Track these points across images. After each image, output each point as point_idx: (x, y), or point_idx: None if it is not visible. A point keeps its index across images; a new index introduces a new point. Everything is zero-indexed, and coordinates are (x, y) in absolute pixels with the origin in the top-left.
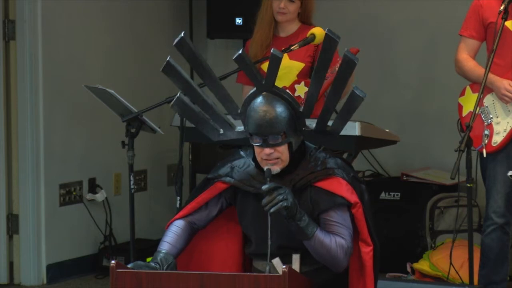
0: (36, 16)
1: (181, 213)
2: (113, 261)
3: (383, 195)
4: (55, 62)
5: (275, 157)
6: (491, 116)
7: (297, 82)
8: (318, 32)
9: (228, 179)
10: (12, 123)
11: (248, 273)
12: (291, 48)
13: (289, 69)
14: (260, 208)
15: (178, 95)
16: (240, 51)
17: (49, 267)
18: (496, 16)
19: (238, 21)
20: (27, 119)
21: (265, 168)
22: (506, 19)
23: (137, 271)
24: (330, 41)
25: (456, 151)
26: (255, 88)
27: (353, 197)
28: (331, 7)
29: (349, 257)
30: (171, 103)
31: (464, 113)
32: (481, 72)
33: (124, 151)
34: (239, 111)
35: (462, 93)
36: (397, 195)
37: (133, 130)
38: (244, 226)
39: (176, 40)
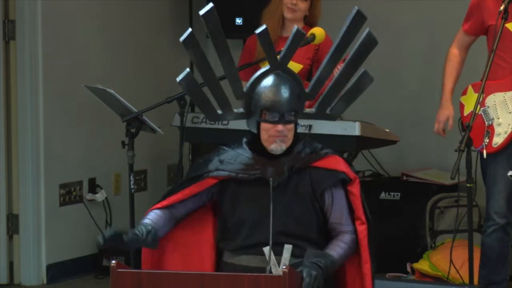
0: (36, 16)
1: (164, 202)
2: (113, 261)
3: (383, 195)
4: (55, 62)
5: (284, 135)
6: (492, 117)
7: None
8: (318, 32)
9: (221, 172)
10: (12, 123)
11: (249, 274)
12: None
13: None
14: (256, 194)
15: (187, 70)
16: (265, 26)
17: (49, 267)
18: (495, 18)
19: (238, 21)
20: (27, 119)
21: (269, 170)
22: (506, 19)
23: (138, 271)
24: (359, 18)
25: (456, 151)
26: (265, 68)
27: (351, 173)
28: (332, 8)
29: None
30: (179, 78)
31: (466, 113)
32: (447, 82)
33: (124, 151)
34: (245, 90)
35: (464, 92)
36: (397, 195)
37: (133, 130)
38: (237, 219)
39: (204, 11)
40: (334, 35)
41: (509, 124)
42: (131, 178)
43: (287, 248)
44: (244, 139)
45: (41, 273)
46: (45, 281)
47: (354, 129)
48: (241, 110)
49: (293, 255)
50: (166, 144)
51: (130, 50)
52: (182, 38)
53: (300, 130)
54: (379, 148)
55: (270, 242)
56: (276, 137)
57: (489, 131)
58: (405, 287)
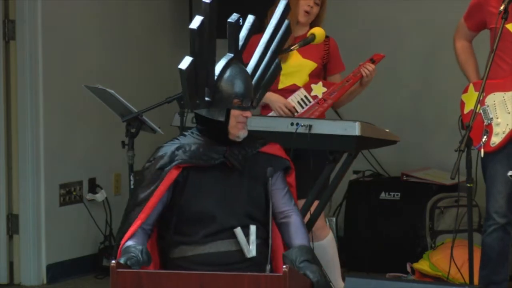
0: (36, 16)
1: (142, 215)
2: (113, 261)
3: (383, 195)
4: (55, 62)
5: (246, 121)
6: (491, 116)
7: (314, 82)
8: (318, 32)
9: (186, 160)
10: (12, 123)
11: (249, 273)
12: (291, 48)
13: (301, 67)
14: (218, 178)
15: (191, 59)
16: (237, 16)
17: (49, 267)
18: (499, 20)
19: None
20: (27, 119)
21: (268, 170)
22: (506, 19)
23: (137, 271)
24: (286, 10)
25: (456, 151)
26: (227, 58)
27: (291, 162)
28: (335, 9)
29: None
30: (185, 66)
31: (466, 111)
32: (471, 75)
33: (124, 151)
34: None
35: (465, 90)
36: (397, 195)
37: (133, 130)
38: (200, 206)
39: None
40: (334, 34)
41: (507, 124)
42: (131, 178)
43: (253, 229)
44: (192, 131)
45: (41, 273)
46: (45, 281)
47: (354, 129)
48: (208, 98)
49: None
50: None
51: (130, 50)
52: (195, 26)
53: (300, 130)
54: (379, 148)
55: (270, 241)
56: (243, 123)
57: (488, 130)
58: (405, 287)
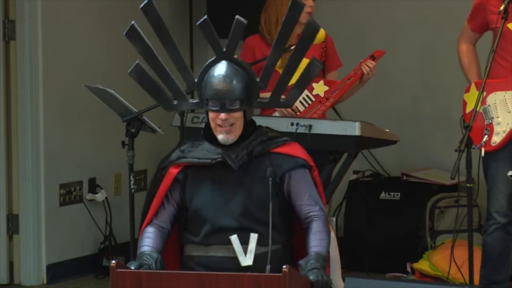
0: (36, 16)
1: (148, 216)
2: (113, 261)
3: (383, 195)
4: (55, 62)
5: (229, 123)
6: (492, 115)
7: (315, 80)
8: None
9: (182, 160)
10: (12, 123)
11: (249, 273)
12: (291, 48)
13: (301, 66)
14: (217, 178)
15: (137, 62)
16: (205, 17)
17: (49, 267)
18: (499, 20)
19: None
20: (27, 119)
21: (268, 170)
22: (506, 19)
23: (137, 271)
24: (296, 7)
25: (456, 151)
26: (214, 57)
27: (311, 161)
28: (333, 7)
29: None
30: (129, 70)
31: (468, 110)
32: (469, 73)
33: (124, 151)
34: (195, 80)
35: (467, 90)
36: (397, 195)
37: (133, 130)
38: (197, 205)
39: (143, 4)
40: (334, 34)
41: (507, 124)
42: (131, 178)
43: (253, 237)
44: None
45: (41, 273)
46: (45, 281)
47: (354, 129)
48: (197, 100)
49: (258, 243)
50: (166, 144)
51: (130, 50)
52: (125, 32)
53: (300, 130)
54: (379, 148)
55: (270, 241)
56: (221, 127)
57: (489, 130)
58: (405, 287)
